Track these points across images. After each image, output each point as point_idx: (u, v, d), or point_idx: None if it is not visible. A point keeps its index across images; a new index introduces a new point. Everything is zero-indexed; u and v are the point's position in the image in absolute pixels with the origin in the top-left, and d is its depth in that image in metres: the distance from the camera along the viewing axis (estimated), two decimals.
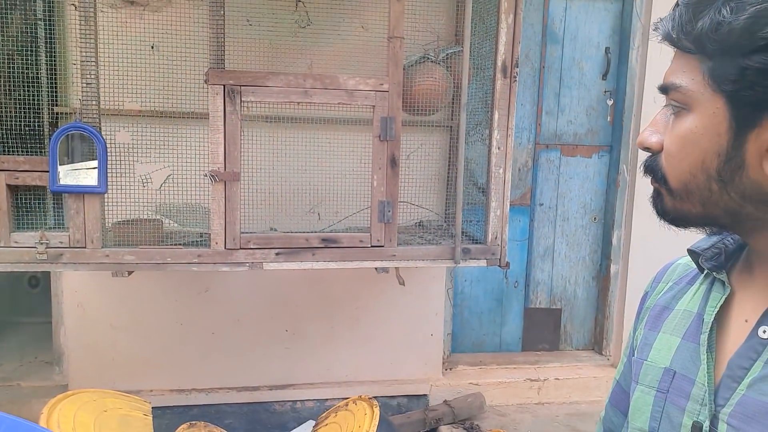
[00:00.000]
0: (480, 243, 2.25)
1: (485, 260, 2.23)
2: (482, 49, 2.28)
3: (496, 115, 2.10)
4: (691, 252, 0.73)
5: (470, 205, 2.46)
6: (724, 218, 0.62)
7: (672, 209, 0.65)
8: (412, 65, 2.16)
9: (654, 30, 0.63)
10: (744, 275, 0.67)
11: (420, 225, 2.62)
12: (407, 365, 2.92)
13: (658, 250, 2.89)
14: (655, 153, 0.64)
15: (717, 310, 0.66)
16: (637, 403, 0.73)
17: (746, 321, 0.64)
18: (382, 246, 2.12)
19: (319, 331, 2.82)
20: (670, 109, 0.62)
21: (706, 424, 0.62)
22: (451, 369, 3.01)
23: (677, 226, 0.67)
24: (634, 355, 0.79)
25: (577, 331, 3.21)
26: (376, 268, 2.18)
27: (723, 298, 0.66)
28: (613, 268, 3.05)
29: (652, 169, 0.65)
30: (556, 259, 3.12)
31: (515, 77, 2.07)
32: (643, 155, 0.67)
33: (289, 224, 2.34)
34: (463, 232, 2.32)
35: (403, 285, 2.55)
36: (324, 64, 2.40)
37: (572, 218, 3.09)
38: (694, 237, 0.71)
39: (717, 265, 0.69)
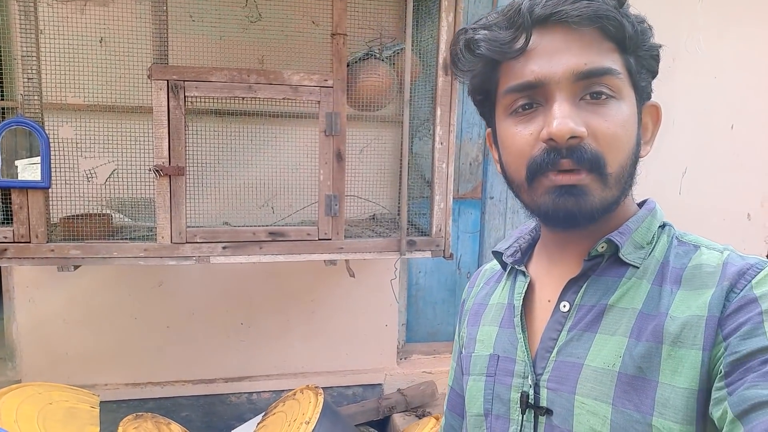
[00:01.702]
0: (426, 235, 2.32)
1: (430, 251, 2.29)
2: (429, 46, 2.34)
3: (439, 111, 2.16)
4: (495, 253, 0.85)
5: (420, 199, 2.52)
6: (618, 203, 0.69)
7: (599, 201, 0.65)
8: (356, 61, 2.20)
9: (556, 8, 0.64)
10: (541, 265, 0.79)
11: (374, 219, 2.68)
12: (362, 355, 2.98)
13: None
14: (580, 140, 0.63)
15: (522, 295, 0.77)
16: (471, 392, 0.79)
17: (549, 301, 0.75)
18: (330, 239, 2.17)
19: (275, 323, 2.86)
20: (587, 96, 0.64)
21: (531, 393, 0.71)
22: (405, 358, 3.09)
23: (577, 225, 0.68)
24: (462, 353, 0.88)
25: None
26: (324, 261, 2.23)
27: (525, 285, 0.77)
28: None
29: (582, 158, 0.63)
30: None
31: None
32: None
33: (243, 218, 2.37)
34: (413, 225, 2.39)
35: (353, 277, 2.61)
36: (275, 60, 2.43)
37: (521, 210, 3.16)
38: None
39: (516, 260, 0.81)
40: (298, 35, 2.26)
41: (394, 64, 2.28)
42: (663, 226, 0.73)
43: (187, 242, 2.02)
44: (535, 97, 0.66)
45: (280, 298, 2.85)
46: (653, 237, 0.71)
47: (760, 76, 3.28)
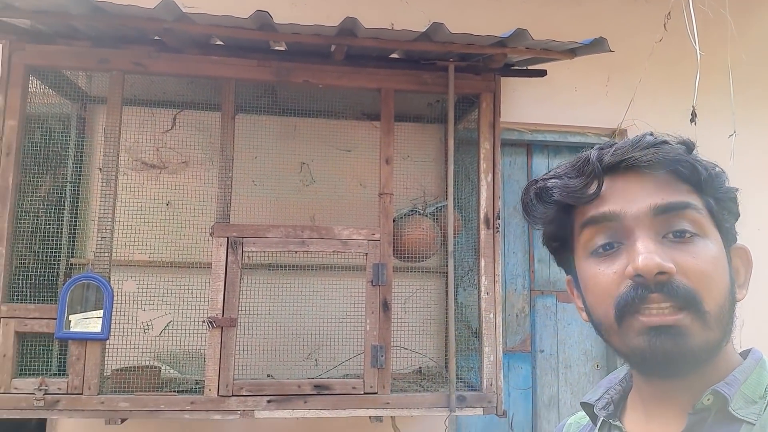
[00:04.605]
0: (476, 390, 2.23)
1: (481, 408, 2.19)
2: (469, 202, 2.47)
3: (483, 263, 2.21)
4: (585, 405, 0.77)
5: (467, 351, 2.47)
6: (719, 348, 0.63)
7: (701, 342, 0.60)
8: (402, 217, 2.33)
9: (625, 155, 0.65)
10: (636, 419, 0.71)
11: (419, 372, 2.61)
12: None
13: None
14: (669, 276, 0.60)
15: None
16: None
17: None
18: (376, 393, 2.11)
19: None
20: (670, 235, 0.62)
21: None
22: None
23: (678, 371, 0.62)
24: None
25: None
26: (369, 417, 2.15)
27: None
28: None
29: (674, 293, 0.60)
30: (562, 408, 3.02)
31: (497, 228, 2.22)
32: None
33: (286, 371, 2.36)
34: (461, 379, 2.32)
35: None
36: (325, 217, 2.59)
37: (574, 365, 3.05)
38: None
39: (610, 414, 0.73)
40: (348, 196, 2.44)
41: (436, 219, 2.40)
42: None
43: (233, 395, 2.00)
44: (615, 236, 0.65)
45: None
46: (765, 390, 0.63)
47: None
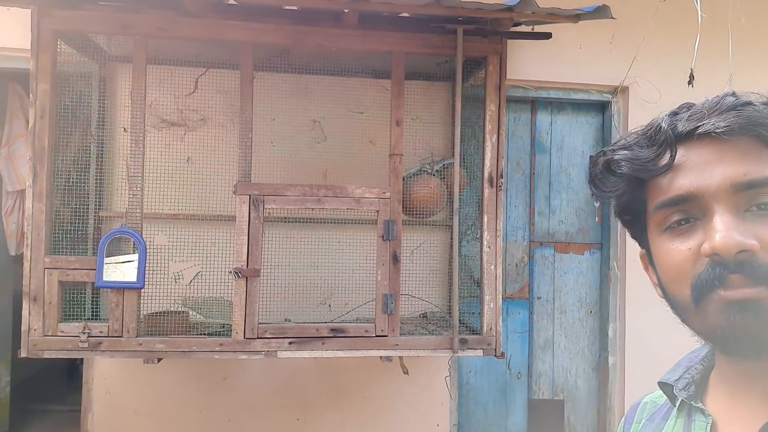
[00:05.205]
0: (477, 333, 2.45)
1: (481, 350, 2.41)
2: (474, 158, 2.61)
3: (486, 219, 2.38)
4: (663, 384, 0.72)
5: (470, 298, 2.68)
6: None
7: None
8: (411, 176, 2.48)
9: (701, 121, 0.60)
10: (720, 401, 0.66)
11: (424, 317, 2.83)
12: None
13: (652, 342, 3.05)
14: (751, 254, 0.56)
15: None
16: None
17: None
18: (386, 336, 2.33)
19: (329, 420, 2.95)
20: (753, 208, 0.57)
21: None
22: None
23: (762, 349, 0.57)
24: None
25: (581, 423, 3.28)
26: (380, 357, 2.38)
27: (708, 427, 0.64)
28: (611, 360, 3.18)
29: (756, 273, 0.55)
30: (557, 351, 3.26)
31: (500, 186, 2.37)
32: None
33: (302, 315, 2.57)
34: (463, 324, 2.53)
35: (407, 374, 2.72)
36: (338, 175, 2.74)
37: (569, 311, 3.27)
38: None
39: (691, 395, 0.68)
40: (359, 155, 2.58)
41: (443, 178, 2.55)
42: None
43: (258, 338, 2.22)
44: (690, 211, 0.60)
45: (335, 395, 2.96)
46: None
47: None
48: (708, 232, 0.58)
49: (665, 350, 3.06)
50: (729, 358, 0.64)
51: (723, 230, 0.56)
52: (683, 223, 0.61)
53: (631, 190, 0.66)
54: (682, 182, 0.60)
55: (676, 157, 0.61)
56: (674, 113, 0.64)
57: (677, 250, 0.61)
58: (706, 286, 0.57)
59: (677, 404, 0.70)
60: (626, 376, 3.14)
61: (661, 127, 0.62)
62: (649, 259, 0.68)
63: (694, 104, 0.63)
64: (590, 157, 0.71)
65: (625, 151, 0.64)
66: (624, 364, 3.14)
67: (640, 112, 3.12)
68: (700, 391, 0.69)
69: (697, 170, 0.59)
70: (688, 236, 0.60)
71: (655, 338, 3.10)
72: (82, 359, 3.11)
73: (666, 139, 0.61)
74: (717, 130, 0.58)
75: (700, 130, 0.59)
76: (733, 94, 0.61)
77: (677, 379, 0.71)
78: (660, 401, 0.75)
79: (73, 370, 3.96)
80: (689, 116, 0.61)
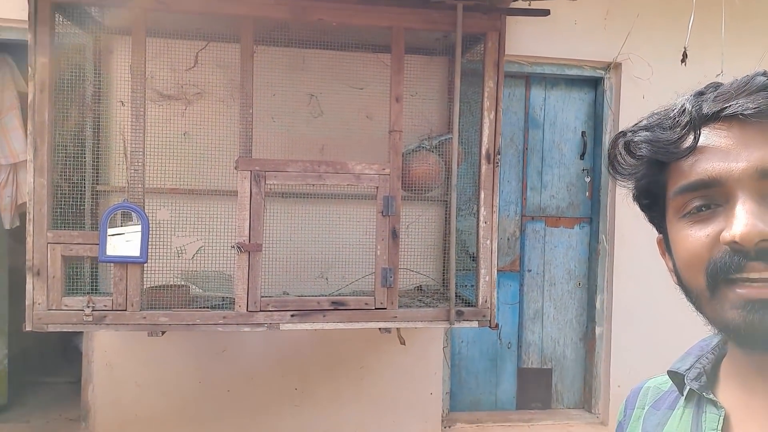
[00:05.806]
0: (472, 306, 2.52)
1: (477, 321, 2.49)
2: (470, 133, 2.64)
3: (483, 195, 2.43)
4: (673, 373, 0.70)
5: (465, 271, 2.75)
6: None
7: None
8: (409, 152, 2.51)
9: (728, 102, 0.57)
10: (733, 393, 0.63)
11: (420, 289, 2.90)
12: (408, 423, 3.11)
13: (638, 313, 3.17)
14: None
15: None
16: None
17: None
18: (385, 308, 2.39)
19: (326, 390, 3.04)
20: None
21: None
22: (449, 427, 3.20)
23: None
24: None
25: (568, 390, 3.41)
26: (379, 329, 2.45)
27: (721, 421, 0.61)
28: (597, 330, 3.30)
29: None
30: (545, 322, 3.37)
31: (497, 163, 2.42)
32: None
33: (301, 288, 2.62)
34: (458, 296, 2.60)
35: (404, 345, 2.80)
36: (335, 150, 2.76)
37: (558, 283, 3.37)
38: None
39: (703, 386, 0.65)
40: (358, 131, 2.59)
41: (441, 154, 2.58)
42: None
43: (260, 310, 2.27)
44: (712, 197, 0.58)
45: (332, 365, 3.04)
46: None
47: None
48: (729, 220, 0.55)
49: (650, 321, 3.20)
50: (744, 350, 0.61)
51: (745, 218, 0.53)
52: (703, 209, 0.58)
53: (650, 173, 0.64)
54: (704, 166, 0.57)
55: (700, 140, 0.58)
56: (700, 93, 0.61)
57: (695, 236, 0.58)
58: (722, 273, 0.55)
59: (685, 392, 0.67)
60: (612, 346, 3.26)
61: (685, 107, 0.59)
62: (666, 244, 0.66)
63: (721, 84, 0.60)
64: (611, 138, 0.69)
65: (646, 133, 0.62)
66: (610, 335, 3.26)
67: (633, 89, 3.17)
68: (711, 381, 0.66)
69: (721, 155, 0.56)
70: (708, 223, 0.58)
71: (640, 310, 3.22)
72: (78, 333, 3.13)
73: (690, 120, 0.58)
74: (745, 112, 0.55)
75: (726, 112, 0.57)
76: (764, 73, 0.57)
77: (688, 369, 0.68)
78: (664, 388, 0.73)
79: (67, 342, 3.98)
80: (716, 96, 0.58)
